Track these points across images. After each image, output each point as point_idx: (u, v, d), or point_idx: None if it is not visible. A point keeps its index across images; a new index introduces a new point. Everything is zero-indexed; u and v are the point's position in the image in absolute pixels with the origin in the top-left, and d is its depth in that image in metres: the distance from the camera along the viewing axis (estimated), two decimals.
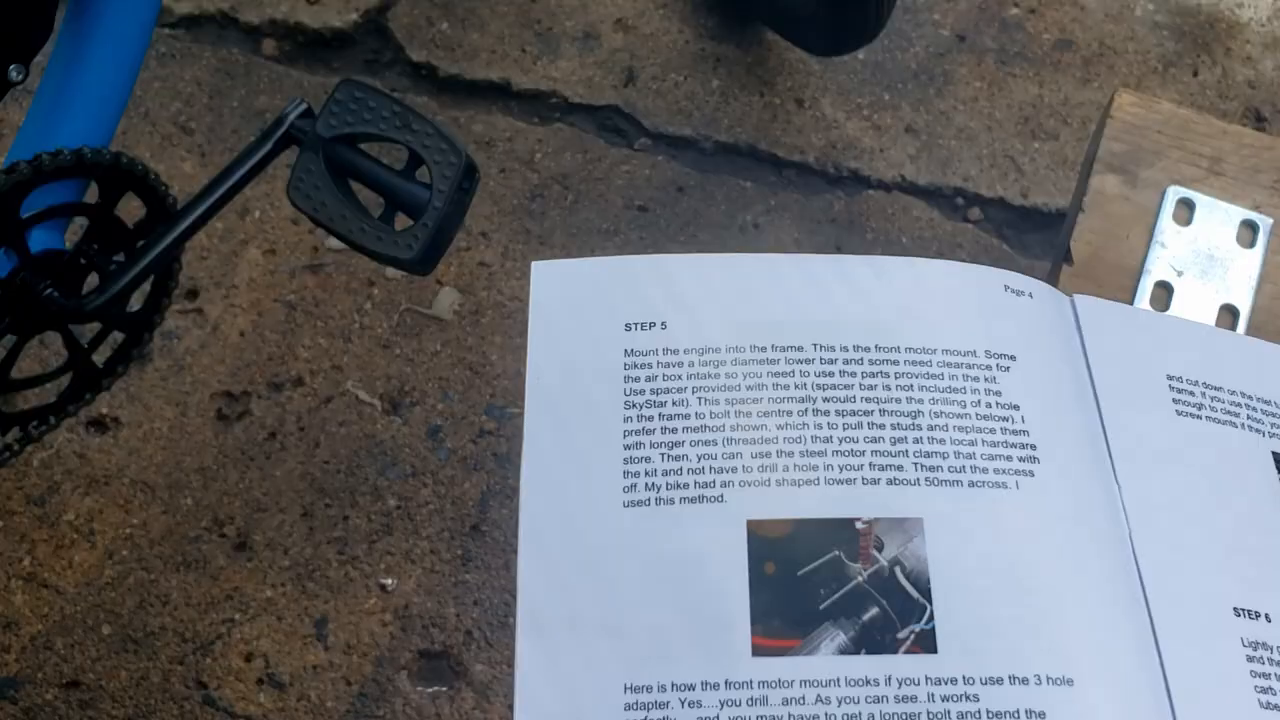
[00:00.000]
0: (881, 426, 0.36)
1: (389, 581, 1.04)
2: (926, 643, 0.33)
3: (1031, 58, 1.30)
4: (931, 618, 0.33)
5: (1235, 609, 0.36)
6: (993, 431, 0.37)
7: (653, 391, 0.37)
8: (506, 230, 1.21)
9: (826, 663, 0.32)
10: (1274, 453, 0.42)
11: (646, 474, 0.35)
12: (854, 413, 0.36)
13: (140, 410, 1.10)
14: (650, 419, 0.36)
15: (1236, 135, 0.74)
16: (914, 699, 0.32)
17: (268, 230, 1.18)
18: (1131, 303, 0.68)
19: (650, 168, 1.25)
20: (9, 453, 0.84)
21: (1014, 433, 0.37)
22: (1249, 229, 0.71)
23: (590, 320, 0.38)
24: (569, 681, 0.33)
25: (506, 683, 1.01)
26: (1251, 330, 0.67)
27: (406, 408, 1.12)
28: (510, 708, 0.34)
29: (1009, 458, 0.36)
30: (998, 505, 0.35)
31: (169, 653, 1.00)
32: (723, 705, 0.32)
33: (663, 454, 0.36)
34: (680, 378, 0.37)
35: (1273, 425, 0.43)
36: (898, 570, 0.34)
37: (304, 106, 0.82)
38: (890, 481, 0.35)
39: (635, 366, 0.37)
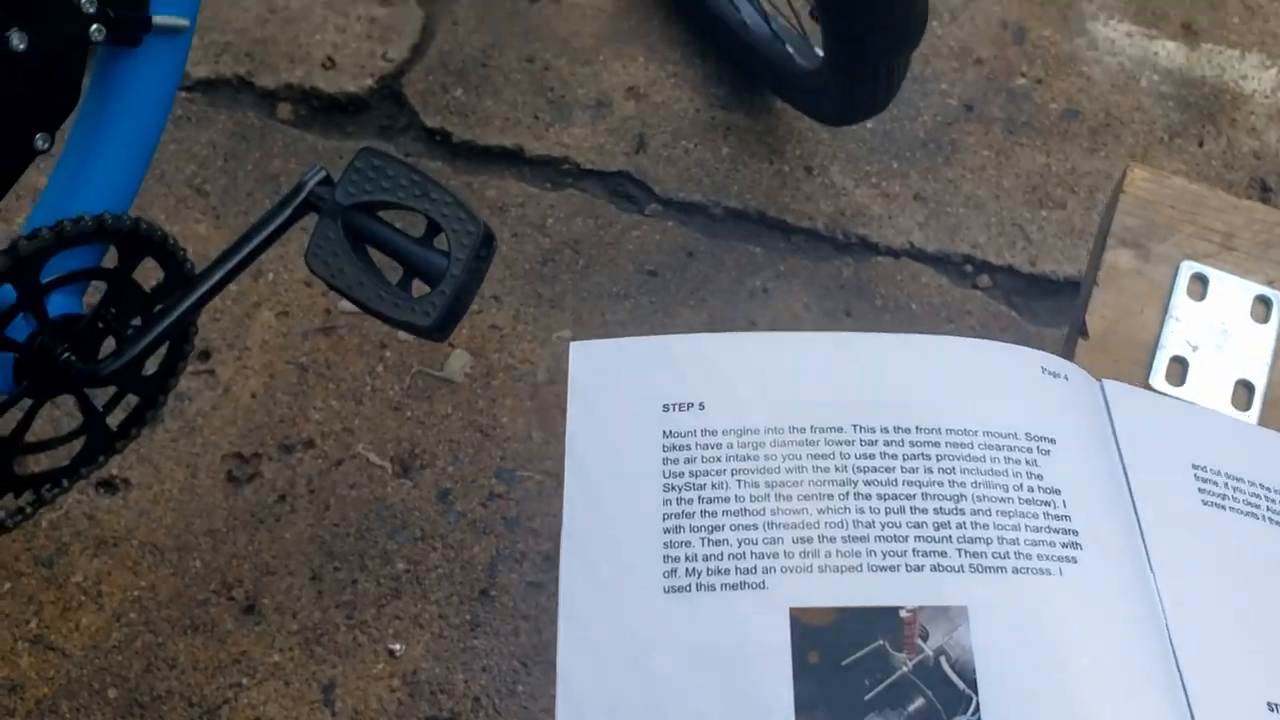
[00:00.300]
0: (924, 511, 0.36)
1: (397, 647, 1.03)
2: None
3: (1039, 127, 1.32)
4: (977, 709, 0.33)
5: (1269, 704, 0.35)
6: (1035, 516, 0.36)
7: (692, 474, 0.37)
8: (518, 294, 1.21)
9: None
10: None
11: (687, 559, 0.35)
12: (896, 496, 0.36)
13: (150, 471, 1.09)
14: (690, 502, 0.36)
15: (1248, 210, 0.74)
16: None
17: (281, 293, 1.19)
18: (1147, 377, 0.68)
19: (661, 233, 1.26)
20: (21, 515, 0.84)
21: (1056, 518, 0.37)
22: (1263, 304, 0.71)
23: (628, 401, 0.38)
24: None
25: None
26: (1268, 405, 0.67)
27: (417, 470, 1.12)
28: None
29: (1052, 544, 0.36)
30: (1042, 592, 0.35)
31: (175, 717, 0.99)
32: None
33: (703, 538, 0.35)
34: (719, 459, 0.37)
35: None
36: (943, 660, 0.34)
37: (323, 174, 0.82)
38: (934, 568, 0.35)
39: (674, 448, 0.37)
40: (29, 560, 1.05)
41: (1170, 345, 0.69)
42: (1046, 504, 0.37)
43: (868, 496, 0.36)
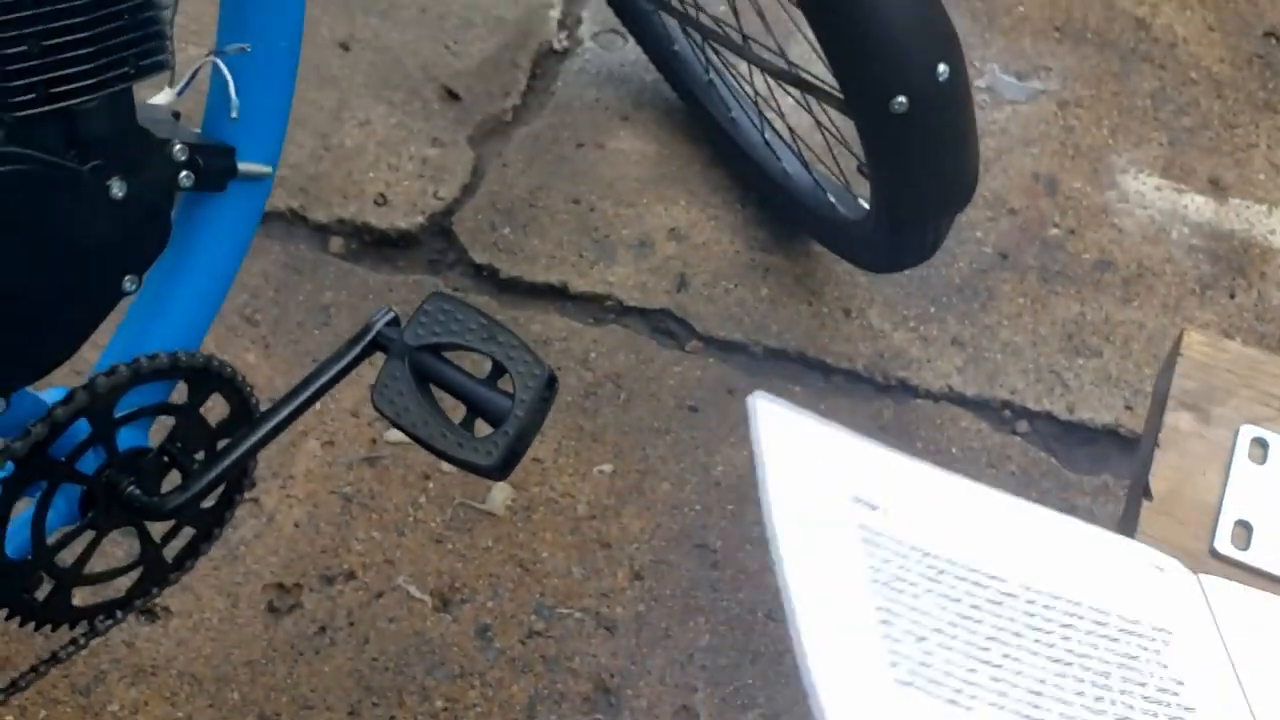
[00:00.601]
0: (1082, 681, 0.36)
1: None
2: None
3: (1072, 276, 1.35)
4: None
5: None
6: (1167, 705, 0.37)
7: (892, 576, 0.37)
8: (560, 427, 1.22)
9: None
10: None
11: (906, 656, 0.35)
12: (1058, 660, 0.37)
13: (191, 600, 1.09)
14: (897, 603, 0.36)
15: None
16: None
17: (327, 422, 1.20)
18: (1212, 541, 0.69)
19: (701, 369, 1.28)
20: (75, 647, 0.84)
21: (1185, 708, 0.37)
22: None
23: (820, 478, 0.38)
24: None
25: None
26: None
27: (456, 605, 1.11)
28: None
29: None
30: None
31: None
32: None
33: (915, 640, 0.36)
34: (910, 570, 0.37)
35: None
36: None
37: (391, 315, 0.84)
38: None
39: (872, 543, 0.37)
40: (66, 688, 1.04)
41: (1234, 509, 0.70)
42: (1175, 694, 0.38)
43: (1035, 654, 0.37)
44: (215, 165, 0.75)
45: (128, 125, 0.68)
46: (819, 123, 1.21)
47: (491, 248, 1.33)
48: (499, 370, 0.83)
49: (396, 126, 1.40)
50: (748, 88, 1.34)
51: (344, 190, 1.35)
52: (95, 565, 0.84)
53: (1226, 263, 1.36)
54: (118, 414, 0.77)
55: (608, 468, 1.20)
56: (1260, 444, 0.72)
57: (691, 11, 1.25)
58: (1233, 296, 1.34)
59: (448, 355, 0.83)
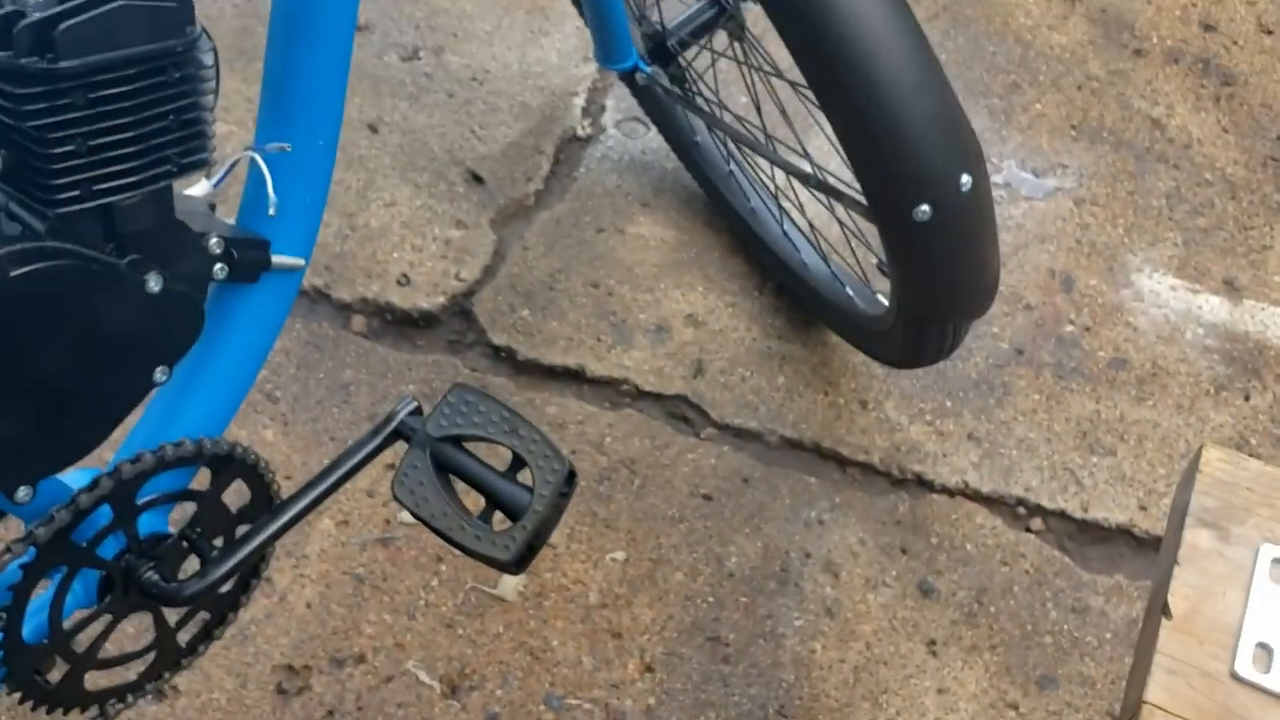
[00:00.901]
0: None
1: None
2: None
3: (1087, 374, 1.35)
4: None
5: None
6: None
7: None
8: (573, 512, 1.22)
9: None
10: None
11: None
12: None
13: (200, 679, 1.09)
14: None
15: None
16: None
17: (343, 501, 1.20)
18: (1233, 663, 0.69)
19: (716, 457, 1.28)
20: None
21: None
22: None
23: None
24: None
25: None
26: None
27: (465, 691, 1.11)
28: None
29: None
30: None
31: None
32: None
33: None
34: None
35: None
36: None
37: (414, 405, 0.85)
38: None
39: None
40: None
41: (1254, 631, 0.70)
42: None
43: None
44: (250, 258, 0.77)
45: (166, 219, 0.70)
46: (839, 219, 1.23)
47: (510, 329, 1.34)
48: (519, 463, 0.83)
49: (421, 208, 1.42)
50: (767, 180, 1.35)
51: (368, 269, 1.37)
52: (108, 648, 0.84)
53: (1241, 364, 1.37)
54: (140, 500, 0.77)
55: (620, 555, 1.20)
56: None
57: (715, 110, 1.27)
58: (1248, 399, 1.34)
59: (468, 446, 0.84)
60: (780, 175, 1.30)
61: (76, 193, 0.63)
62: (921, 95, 0.85)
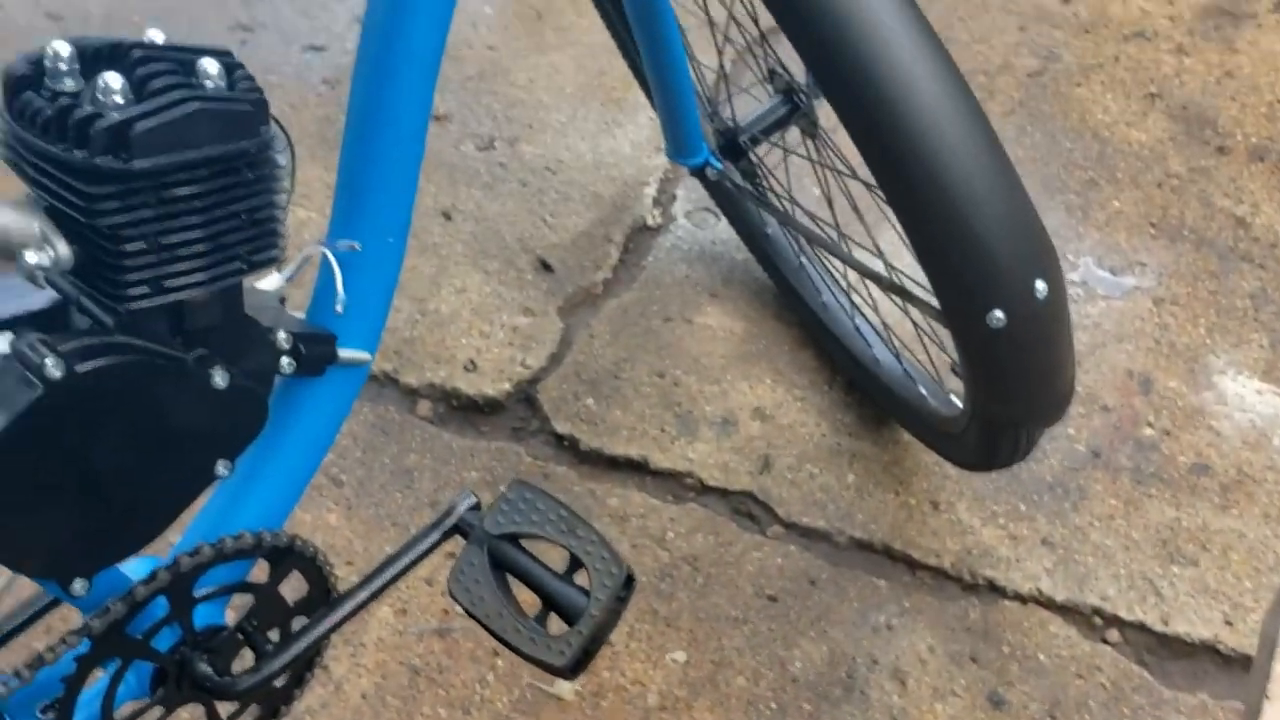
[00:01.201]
0: None
1: None
2: None
3: (1167, 479, 1.30)
4: None
5: None
6: None
7: None
8: (634, 609, 1.20)
9: None
10: None
11: None
12: None
13: None
14: None
15: None
16: None
17: (401, 589, 1.19)
18: None
19: (782, 557, 1.25)
20: None
21: None
22: None
23: None
24: None
25: None
26: None
27: None
28: None
29: None
30: None
31: None
32: None
33: None
34: None
35: None
36: None
37: (473, 500, 0.84)
38: None
39: None
40: None
41: None
42: None
43: None
44: (316, 353, 0.77)
45: (235, 315, 0.70)
46: (911, 319, 1.21)
47: (574, 418, 1.34)
48: (576, 564, 0.82)
49: (491, 295, 1.43)
50: (839, 275, 1.34)
51: (436, 355, 1.38)
52: None
53: None
54: (197, 593, 0.77)
55: (681, 656, 1.17)
56: None
57: (787, 207, 1.26)
58: None
59: (526, 544, 0.83)
60: (853, 272, 1.29)
61: (146, 289, 0.64)
62: (993, 198, 0.83)
